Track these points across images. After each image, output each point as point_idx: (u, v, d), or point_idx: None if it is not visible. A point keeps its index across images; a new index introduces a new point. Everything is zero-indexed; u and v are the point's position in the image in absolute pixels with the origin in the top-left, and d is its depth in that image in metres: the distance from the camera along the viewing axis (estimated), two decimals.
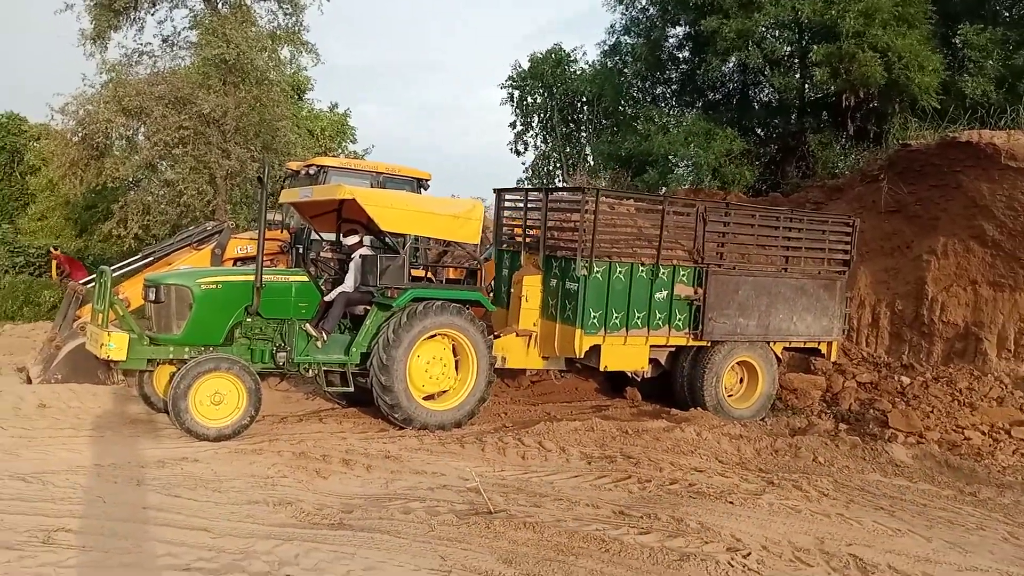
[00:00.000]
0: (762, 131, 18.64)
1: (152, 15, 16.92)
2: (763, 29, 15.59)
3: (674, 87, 19.59)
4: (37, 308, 16.43)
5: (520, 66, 24.21)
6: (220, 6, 16.86)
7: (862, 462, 8.14)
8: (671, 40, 18.74)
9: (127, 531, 5.24)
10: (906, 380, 10.69)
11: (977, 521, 6.55)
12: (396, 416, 8.52)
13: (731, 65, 17.65)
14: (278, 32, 17.11)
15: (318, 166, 12.01)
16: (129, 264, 11.50)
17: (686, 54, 18.85)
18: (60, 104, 16.26)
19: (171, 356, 8.18)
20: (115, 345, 7.77)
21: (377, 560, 4.92)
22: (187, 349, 8.13)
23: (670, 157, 16.71)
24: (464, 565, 4.93)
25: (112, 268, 8.74)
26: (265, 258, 8.61)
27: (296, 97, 23.47)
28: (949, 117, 13.47)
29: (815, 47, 14.52)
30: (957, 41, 14.90)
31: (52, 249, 18.80)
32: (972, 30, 14.08)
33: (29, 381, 10.32)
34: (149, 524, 5.39)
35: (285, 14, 17.24)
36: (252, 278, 8.23)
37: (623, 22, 19.62)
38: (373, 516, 5.76)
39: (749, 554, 5.33)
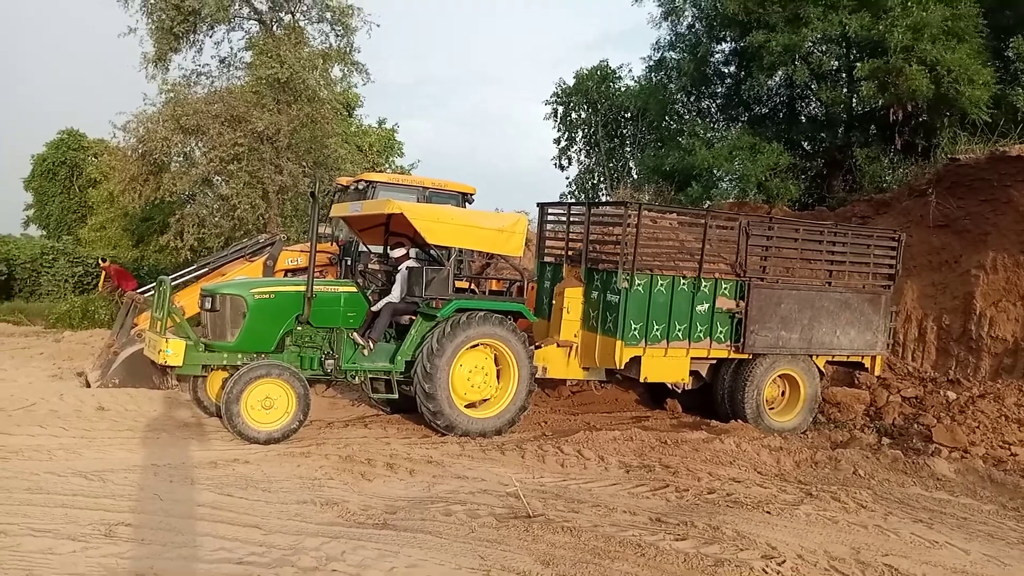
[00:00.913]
0: (808, 145, 18.55)
1: (210, 37, 17.56)
2: (810, 44, 15.58)
3: (719, 102, 19.64)
4: (93, 319, 17.09)
5: (564, 83, 24.44)
6: (274, 28, 17.42)
7: (903, 475, 8.09)
8: (716, 55, 18.81)
9: (183, 526, 5.52)
10: (952, 395, 10.55)
11: (1019, 536, 6.49)
12: (439, 423, 8.72)
13: (777, 80, 17.64)
14: (330, 52, 17.59)
15: (367, 181, 12.33)
16: (185, 274, 11.94)
17: (731, 69, 18.90)
18: (122, 122, 16.98)
19: (225, 362, 8.51)
20: (172, 351, 8.13)
21: (419, 558, 5.11)
22: (240, 356, 8.46)
23: (714, 171, 16.74)
24: (503, 565, 5.09)
25: (170, 278, 9.13)
26: (315, 270, 8.90)
27: (346, 113, 24.01)
28: (999, 131, 13.30)
29: (860, 63, 14.45)
30: (1010, 54, 14.71)
31: (101, 261, 19.55)
32: None
33: (88, 385, 10.75)
34: (203, 520, 5.65)
35: (336, 35, 17.74)
36: (303, 289, 8.55)
37: (668, 38, 19.76)
38: (416, 517, 5.95)
39: (784, 562, 5.39)
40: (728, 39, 18.23)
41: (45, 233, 31.68)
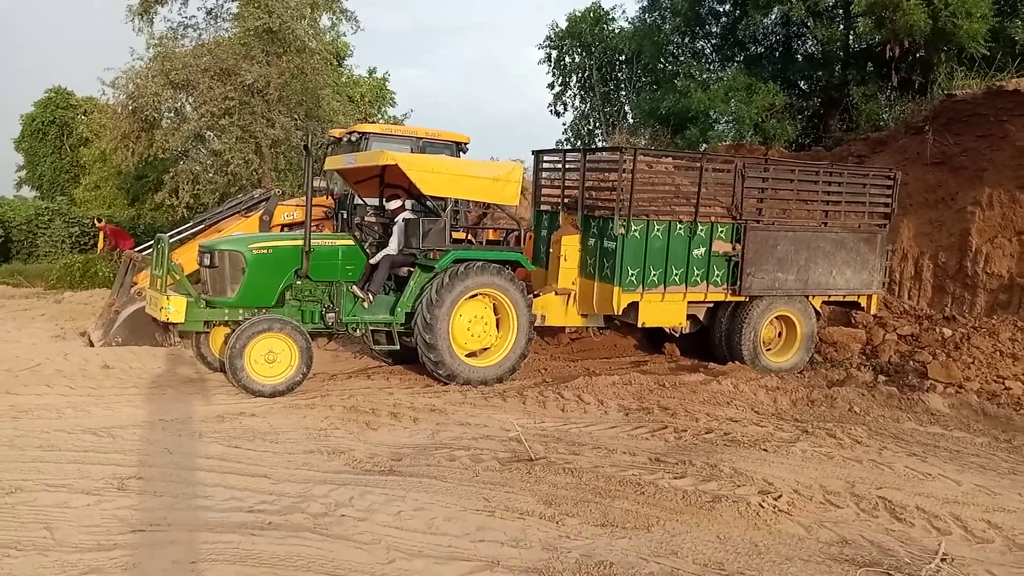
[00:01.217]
0: (805, 84, 18.37)
1: None
2: None
3: (714, 42, 19.39)
4: (94, 278, 17.07)
5: (558, 26, 24.11)
6: None
7: (898, 411, 8.25)
8: None
9: (194, 478, 5.65)
10: (948, 332, 10.66)
11: (1010, 466, 6.66)
12: (440, 372, 8.84)
13: (773, 18, 17.40)
14: (318, 1, 17.29)
15: (360, 133, 12.25)
16: (182, 232, 11.95)
17: (726, 7, 18.61)
18: (111, 79, 16.78)
19: (226, 318, 8.59)
20: (174, 308, 8.20)
21: (426, 502, 5.25)
22: (241, 311, 8.53)
23: (710, 113, 16.63)
24: (506, 506, 5.23)
25: (168, 235, 9.16)
26: (312, 223, 8.92)
27: (336, 63, 23.69)
28: (996, 65, 13.19)
29: None
30: None
31: (97, 221, 19.41)
32: None
33: (91, 344, 10.82)
34: (213, 472, 5.78)
35: None
36: (301, 243, 8.59)
37: None
38: (421, 463, 6.09)
39: (780, 496, 5.54)
40: None
41: (38, 194, 31.51)
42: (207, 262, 8.60)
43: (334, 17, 17.90)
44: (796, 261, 10.20)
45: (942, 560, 4.69)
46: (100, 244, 19.22)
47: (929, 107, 13.26)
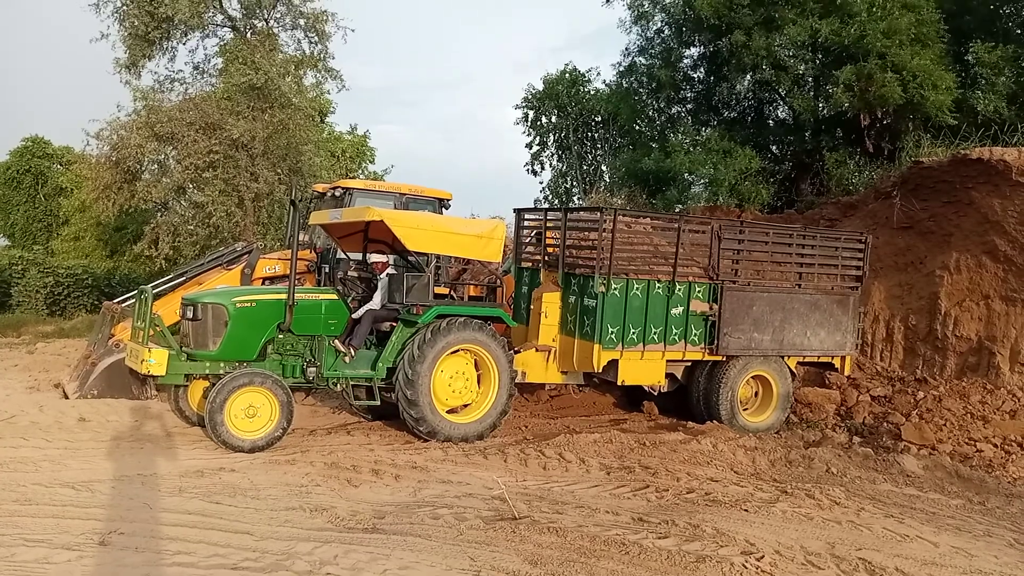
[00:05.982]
0: (777, 149, 18.89)
1: (183, 44, 17.51)
2: (777, 47, 15.88)
3: (689, 106, 19.92)
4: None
5: (534, 87, 24.65)
6: (248, 34, 17.42)
7: (874, 473, 8.36)
8: (686, 60, 19.08)
9: (175, 534, 5.58)
10: (920, 394, 10.86)
11: (984, 528, 6.77)
12: (421, 429, 8.83)
13: (746, 84, 17.96)
14: (303, 59, 17.63)
15: (343, 188, 12.40)
16: (162, 284, 11.93)
17: (700, 74, 19.18)
18: (95, 130, 16.87)
19: (207, 371, 8.56)
20: (155, 361, 8.17)
21: (411, 561, 5.23)
22: (222, 364, 8.51)
23: (687, 176, 17.01)
24: (492, 565, 5.23)
25: (151, 287, 9.15)
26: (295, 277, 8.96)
27: (319, 120, 24.00)
28: (961, 134, 13.69)
29: (843, 68, 14.62)
30: (970, 59, 15.14)
31: None
32: (984, 48, 14.31)
33: (66, 397, 10.70)
34: (195, 528, 5.73)
35: (311, 43, 17.78)
36: (284, 296, 8.63)
37: (638, 43, 19.99)
38: (404, 521, 6.07)
39: (763, 557, 5.59)
40: (697, 43, 18.50)
41: (10, 243, 31.14)
42: (190, 315, 8.60)
43: (319, 75, 18.23)
44: (772, 321, 10.39)
45: None
46: None
47: (897, 173, 13.67)
